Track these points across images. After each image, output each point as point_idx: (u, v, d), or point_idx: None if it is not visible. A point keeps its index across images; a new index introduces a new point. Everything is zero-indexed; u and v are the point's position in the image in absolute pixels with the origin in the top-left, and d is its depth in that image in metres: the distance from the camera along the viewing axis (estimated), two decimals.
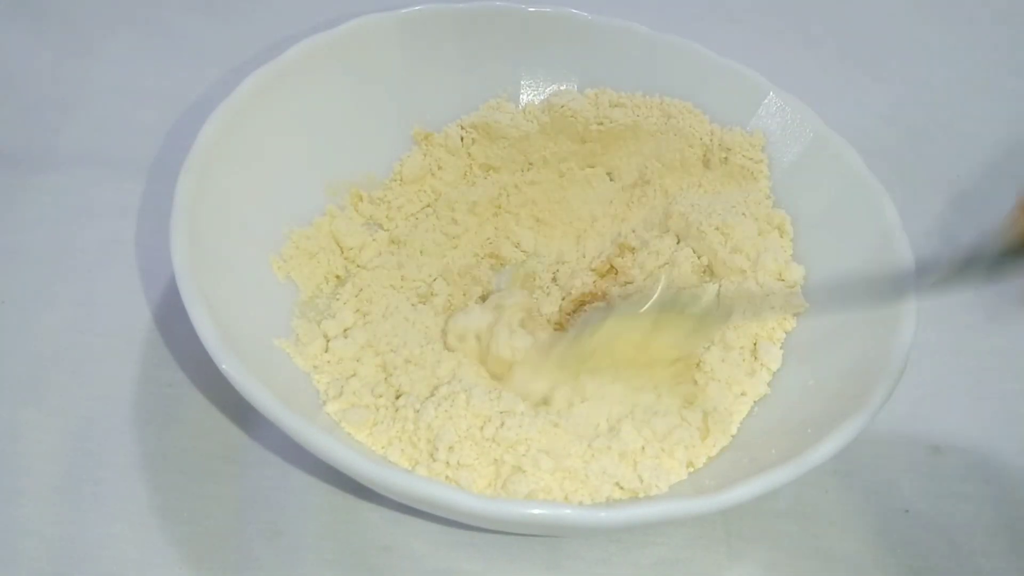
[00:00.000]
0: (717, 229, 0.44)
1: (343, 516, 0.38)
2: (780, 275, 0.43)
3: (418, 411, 0.36)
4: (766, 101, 0.47)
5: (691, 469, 0.37)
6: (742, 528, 0.39)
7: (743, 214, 0.45)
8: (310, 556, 0.37)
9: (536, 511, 0.31)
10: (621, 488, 0.35)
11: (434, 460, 0.35)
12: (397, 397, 0.38)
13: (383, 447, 0.36)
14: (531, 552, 0.38)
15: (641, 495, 0.35)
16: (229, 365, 0.33)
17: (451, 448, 0.35)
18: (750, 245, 0.43)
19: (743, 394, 0.40)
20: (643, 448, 0.36)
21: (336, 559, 0.37)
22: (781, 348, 0.41)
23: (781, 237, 0.45)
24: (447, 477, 0.35)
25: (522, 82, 0.49)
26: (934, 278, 0.34)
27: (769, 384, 0.40)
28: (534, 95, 0.49)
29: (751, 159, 0.46)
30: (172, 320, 0.43)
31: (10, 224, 0.47)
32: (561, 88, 0.49)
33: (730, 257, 0.43)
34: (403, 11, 0.47)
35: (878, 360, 0.36)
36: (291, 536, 0.37)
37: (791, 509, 0.40)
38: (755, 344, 0.41)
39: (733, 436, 0.38)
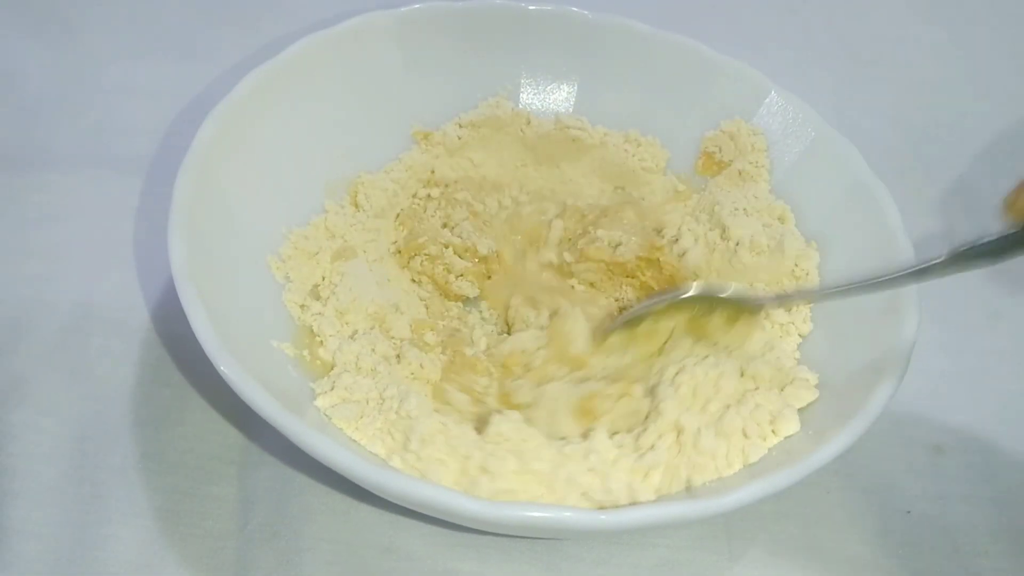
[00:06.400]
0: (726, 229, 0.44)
1: (342, 517, 0.38)
2: (796, 263, 0.43)
3: (401, 401, 0.36)
4: (768, 100, 0.46)
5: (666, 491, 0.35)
6: (743, 529, 0.39)
7: (745, 211, 0.45)
8: (310, 557, 0.37)
9: (533, 514, 0.30)
10: (587, 498, 0.34)
11: (407, 451, 0.35)
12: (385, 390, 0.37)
13: (367, 440, 0.36)
14: (530, 553, 0.38)
15: (608, 506, 0.34)
16: (227, 367, 0.32)
17: (423, 440, 0.35)
18: (760, 238, 0.43)
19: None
20: (615, 461, 0.35)
21: (336, 560, 0.37)
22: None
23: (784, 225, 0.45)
24: (417, 470, 0.34)
25: (522, 80, 0.49)
26: (938, 263, 0.34)
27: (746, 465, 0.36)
28: (534, 94, 0.49)
29: (752, 163, 0.46)
30: (171, 320, 0.43)
31: (10, 224, 0.47)
32: (564, 88, 0.49)
33: (741, 253, 0.43)
34: (402, 9, 0.46)
35: (880, 362, 0.36)
36: (291, 537, 0.37)
37: (792, 510, 0.40)
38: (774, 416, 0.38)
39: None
